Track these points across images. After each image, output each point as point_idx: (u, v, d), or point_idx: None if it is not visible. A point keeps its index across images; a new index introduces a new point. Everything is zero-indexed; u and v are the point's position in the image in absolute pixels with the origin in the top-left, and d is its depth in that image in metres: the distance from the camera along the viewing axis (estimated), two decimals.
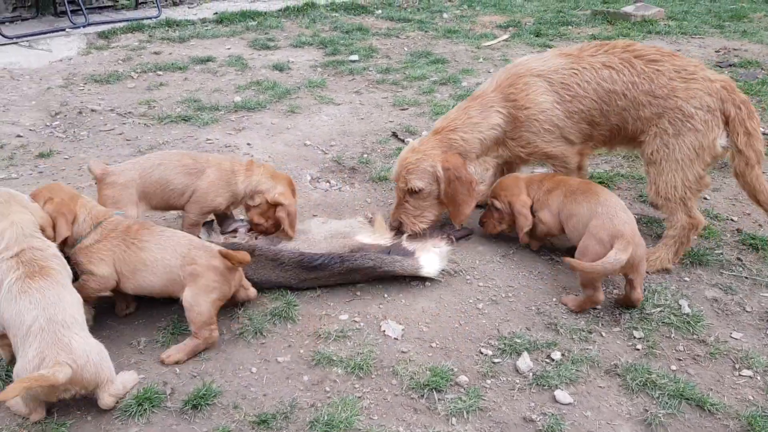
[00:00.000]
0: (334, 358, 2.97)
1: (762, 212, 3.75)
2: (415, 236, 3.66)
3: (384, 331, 3.16)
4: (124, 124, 5.46)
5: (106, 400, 2.64)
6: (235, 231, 3.69)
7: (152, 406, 2.69)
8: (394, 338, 3.11)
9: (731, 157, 3.52)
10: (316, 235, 3.57)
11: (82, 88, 6.24)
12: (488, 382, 2.87)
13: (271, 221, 3.58)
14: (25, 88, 6.22)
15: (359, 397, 2.78)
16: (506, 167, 4.07)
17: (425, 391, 2.80)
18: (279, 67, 6.86)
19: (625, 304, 3.26)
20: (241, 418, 2.67)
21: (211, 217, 3.71)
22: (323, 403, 2.74)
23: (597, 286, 3.19)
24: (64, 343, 2.51)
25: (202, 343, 2.95)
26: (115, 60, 7.07)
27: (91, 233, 3.00)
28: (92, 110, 5.70)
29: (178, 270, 2.93)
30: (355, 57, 7.17)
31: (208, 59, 7.05)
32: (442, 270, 3.49)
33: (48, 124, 5.45)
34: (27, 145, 5.02)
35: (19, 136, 5.19)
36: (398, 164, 3.71)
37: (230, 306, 3.20)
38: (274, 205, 3.54)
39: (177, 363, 2.92)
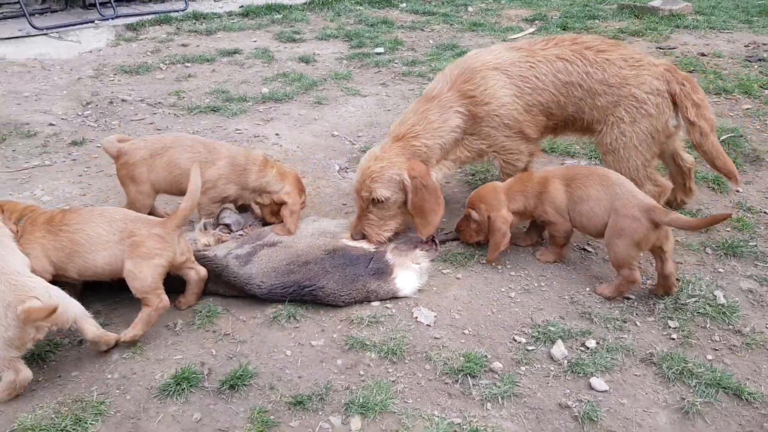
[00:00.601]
0: (368, 343, 2.99)
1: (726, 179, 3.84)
2: (400, 247, 3.54)
3: (416, 317, 3.16)
4: (154, 114, 5.51)
5: (91, 328, 2.72)
6: (227, 226, 3.62)
7: (190, 386, 2.72)
8: (427, 325, 3.12)
9: (687, 131, 3.59)
10: (303, 230, 3.54)
11: (112, 78, 6.31)
12: (522, 368, 2.87)
13: (278, 217, 3.63)
14: (56, 78, 6.31)
15: (393, 381, 2.79)
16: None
17: (459, 376, 2.80)
18: (305, 60, 6.88)
19: (661, 285, 3.25)
20: (277, 398, 2.69)
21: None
22: (358, 386, 2.76)
23: (633, 266, 3.18)
24: (21, 285, 2.61)
25: (154, 310, 2.93)
26: (144, 52, 7.14)
27: (19, 231, 3.01)
28: (123, 100, 5.77)
29: (117, 245, 2.91)
30: (380, 49, 7.18)
31: (235, 51, 7.10)
32: (419, 287, 3.36)
33: (79, 113, 5.52)
34: (60, 134, 5.09)
35: (51, 124, 5.26)
36: (360, 173, 3.54)
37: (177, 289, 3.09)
38: (280, 204, 3.59)
39: (134, 338, 2.91)
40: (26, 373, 2.65)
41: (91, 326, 2.77)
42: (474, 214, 3.53)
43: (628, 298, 3.29)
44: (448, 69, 3.73)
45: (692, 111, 3.49)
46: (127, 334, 2.91)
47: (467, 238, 3.65)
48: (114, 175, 4.38)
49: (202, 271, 3.16)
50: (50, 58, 6.88)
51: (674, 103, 3.53)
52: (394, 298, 3.29)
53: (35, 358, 2.87)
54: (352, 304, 3.24)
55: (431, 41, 7.65)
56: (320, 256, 3.30)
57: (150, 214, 3.49)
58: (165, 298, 2.95)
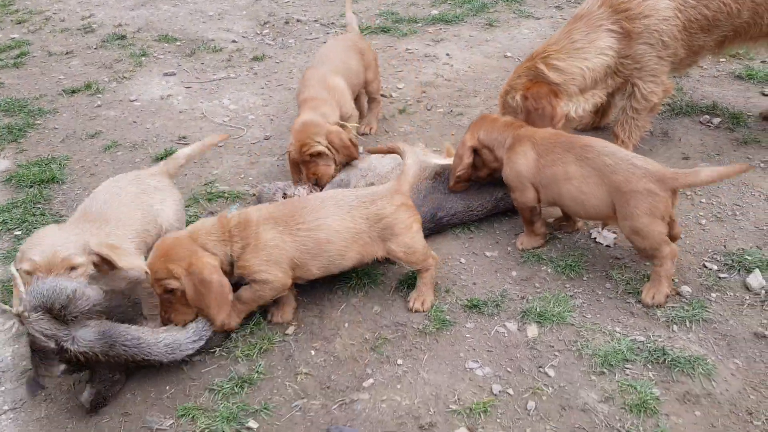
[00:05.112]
0: (543, 258, 2.94)
1: None
2: None
3: (594, 238, 3.05)
4: (327, 33, 5.64)
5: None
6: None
7: (369, 282, 2.83)
8: (606, 245, 3.00)
9: None
10: (380, 169, 3.25)
11: (287, 0, 6.52)
12: (713, 295, 2.69)
13: None
14: None
15: (571, 296, 2.73)
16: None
17: None
18: None
19: None
20: (453, 301, 2.74)
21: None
22: (534, 296, 2.73)
23: (666, 241, 2.63)
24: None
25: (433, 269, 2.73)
26: None
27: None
28: (298, 20, 5.95)
29: (367, 234, 2.62)
30: None
31: None
32: None
33: (258, 32, 5.77)
34: (242, 50, 5.37)
35: (234, 41, 5.55)
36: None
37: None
38: None
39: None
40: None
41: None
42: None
43: None
44: None
45: None
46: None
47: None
48: (293, 89, 4.59)
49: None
50: None
51: None
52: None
53: None
54: (490, 216, 3.19)
55: None
56: (430, 184, 3.16)
57: None
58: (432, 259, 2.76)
